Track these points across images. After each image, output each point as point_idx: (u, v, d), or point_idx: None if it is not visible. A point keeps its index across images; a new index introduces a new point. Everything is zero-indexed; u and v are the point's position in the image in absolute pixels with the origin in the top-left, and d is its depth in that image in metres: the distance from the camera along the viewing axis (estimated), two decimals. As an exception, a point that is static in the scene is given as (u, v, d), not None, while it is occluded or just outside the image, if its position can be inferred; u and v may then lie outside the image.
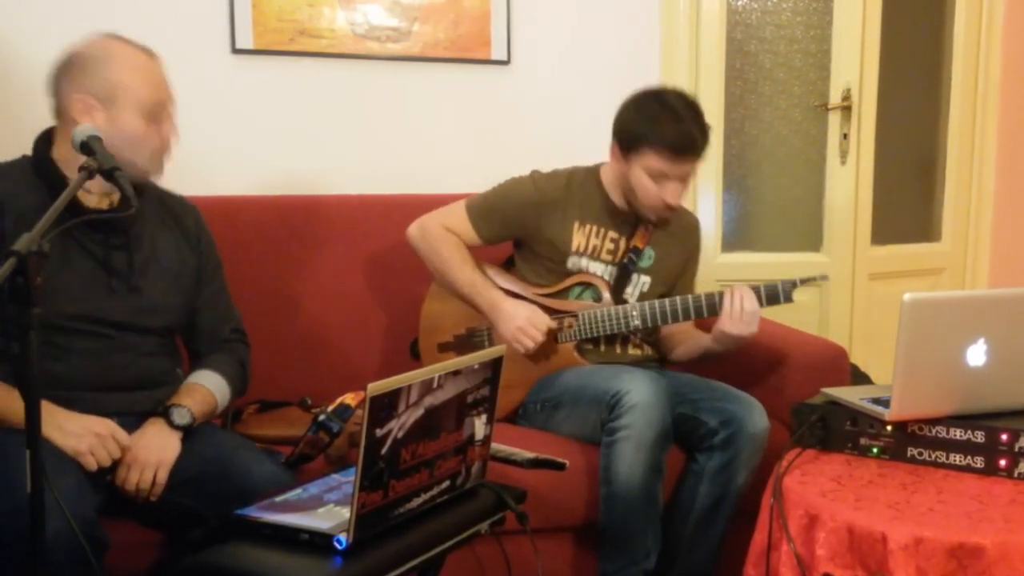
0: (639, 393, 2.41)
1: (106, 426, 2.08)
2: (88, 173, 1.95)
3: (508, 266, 2.92)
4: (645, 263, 2.82)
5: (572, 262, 2.78)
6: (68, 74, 2.18)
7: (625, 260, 2.79)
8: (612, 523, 2.45)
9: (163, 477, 2.10)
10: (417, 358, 2.90)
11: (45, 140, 2.24)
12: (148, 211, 2.30)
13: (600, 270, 2.78)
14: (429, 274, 2.87)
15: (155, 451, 2.10)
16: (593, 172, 2.85)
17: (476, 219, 2.80)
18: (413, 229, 2.83)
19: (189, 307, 2.39)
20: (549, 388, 2.70)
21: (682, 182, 2.68)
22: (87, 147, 2.02)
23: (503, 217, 2.80)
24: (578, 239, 2.78)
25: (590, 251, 2.78)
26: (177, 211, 2.42)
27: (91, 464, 2.02)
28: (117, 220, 2.20)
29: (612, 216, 2.81)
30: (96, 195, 2.21)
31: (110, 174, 1.97)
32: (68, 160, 2.18)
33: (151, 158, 2.22)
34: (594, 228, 2.79)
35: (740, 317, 2.57)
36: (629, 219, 2.81)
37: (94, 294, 2.18)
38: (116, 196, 2.24)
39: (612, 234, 2.80)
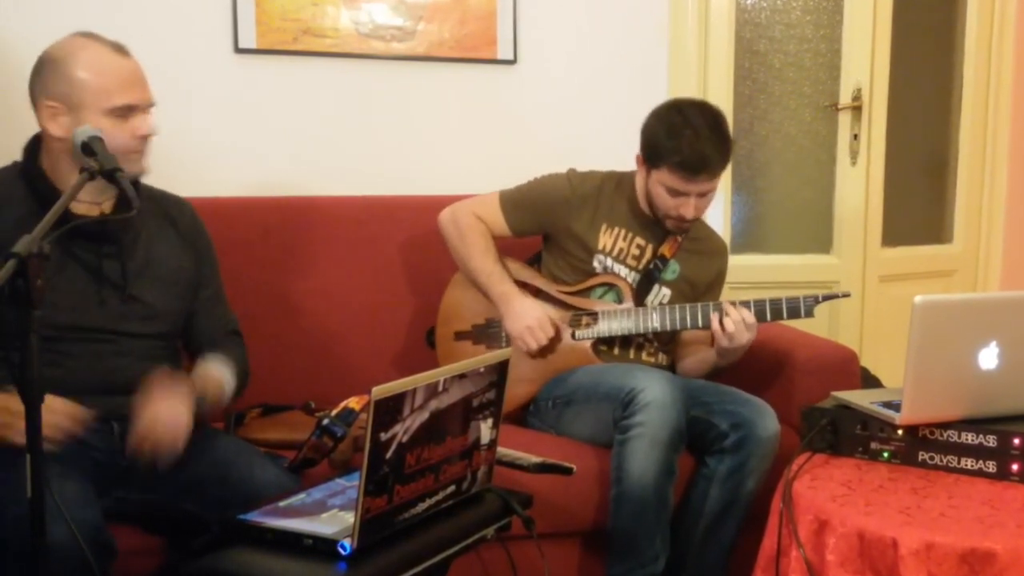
0: (654, 391, 2.41)
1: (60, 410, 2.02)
2: (89, 175, 1.93)
3: (534, 263, 2.93)
4: (669, 276, 2.82)
5: (598, 261, 2.79)
6: (38, 78, 2.13)
7: (651, 267, 2.80)
8: (621, 524, 2.43)
9: (180, 446, 2.07)
10: (433, 347, 2.91)
11: (33, 147, 2.20)
12: (143, 214, 2.21)
13: (624, 273, 2.79)
14: (434, 276, 2.88)
15: (171, 422, 2.07)
16: (628, 177, 2.86)
17: (508, 209, 2.83)
18: (445, 213, 2.86)
19: (187, 311, 2.36)
20: (562, 385, 2.70)
21: (701, 197, 2.69)
22: (88, 148, 2.00)
23: (534, 209, 2.82)
24: (604, 240, 2.80)
25: (616, 253, 2.79)
26: (173, 212, 2.37)
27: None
28: (110, 227, 2.16)
29: (641, 223, 2.82)
30: (86, 203, 2.16)
31: (111, 175, 1.96)
32: (54, 167, 2.15)
33: (126, 155, 2.10)
34: (621, 232, 2.80)
35: (722, 334, 2.59)
36: (658, 228, 2.82)
37: (84, 305, 2.15)
38: (108, 204, 2.20)
39: (639, 240, 2.81)
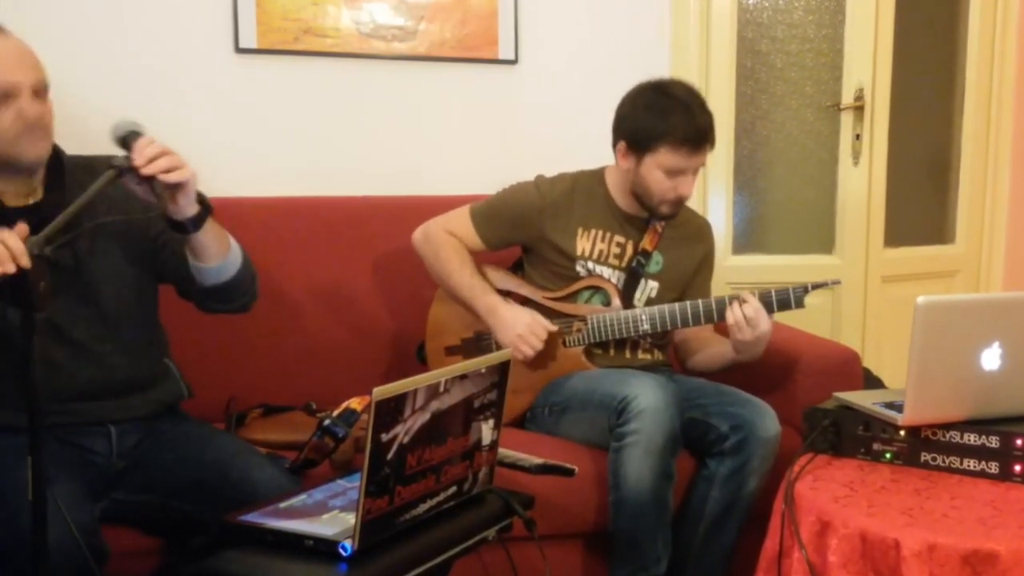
0: (647, 398, 2.39)
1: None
2: (119, 172, 1.90)
3: (517, 270, 2.91)
4: (653, 268, 2.80)
5: (580, 266, 2.76)
6: None
7: (634, 264, 2.78)
8: (622, 529, 2.43)
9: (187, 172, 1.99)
10: (423, 362, 2.88)
11: None
12: (77, 189, 2.01)
13: (608, 274, 2.76)
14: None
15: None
16: (598, 175, 2.84)
17: (480, 223, 2.79)
18: (417, 233, 2.83)
19: (156, 268, 2.26)
20: (557, 392, 2.68)
21: (695, 173, 2.68)
22: (125, 143, 1.95)
23: (506, 222, 2.80)
24: (582, 244, 2.77)
25: (596, 256, 2.77)
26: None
27: None
28: (44, 212, 1.97)
29: (618, 220, 2.80)
30: (13, 192, 2.09)
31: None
32: None
33: (15, 140, 2.01)
34: (599, 233, 2.77)
35: (745, 324, 2.54)
36: (636, 222, 2.80)
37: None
38: (40, 191, 2.12)
39: (618, 238, 2.78)
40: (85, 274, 2.16)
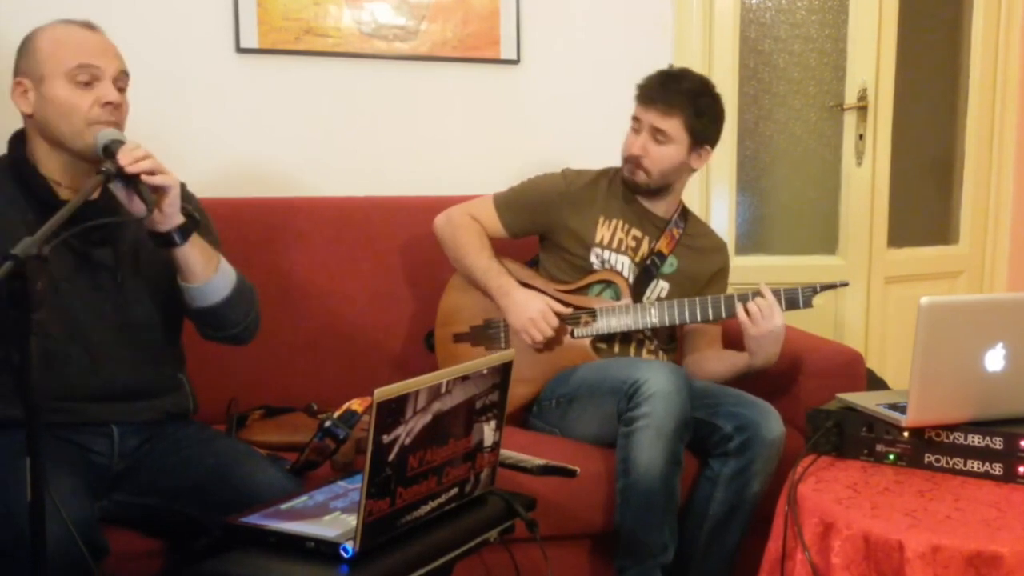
0: (658, 381, 2.39)
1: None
2: (106, 176, 1.93)
3: (532, 265, 2.93)
4: (667, 269, 2.83)
5: (595, 255, 2.79)
6: (16, 61, 2.13)
7: (648, 262, 2.80)
8: (629, 517, 2.41)
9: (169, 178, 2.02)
10: (431, 350, 2.90)
11: (20, 138, 2.17)
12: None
13: (622, 263, 2.78)
14: (436, 277, 2.88)
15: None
16: (622, 172, 2.86)
17: (502, 209, 2.83)
18: (440, 217, 2.87)
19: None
20: (564, 384, 2.69)
21: (652, 137, 2.72)
22: (108, 151, 1.98)
23: (529, 207, 2.83)
24: (602, 232, 2.80)
25: (615, 245, 2.80)
26: None
27: None
28: (96, 212, 2.04)
29: (638, 215, 2.83)
30: (69, 188, 2.12)
31: (130, 179, 1.95)
32: (40, 158, 2.12)
33: (86, 126, 2.06)
34: (619, 223, 2.81)
35: (759, 315, 2.57)
36: (656, 221, 2.84)
37: (77, 294, 2.12)
38: (97, 192, 2.12)
39: (635, 232, 2.81)
40: (120, 279, 2.18)
